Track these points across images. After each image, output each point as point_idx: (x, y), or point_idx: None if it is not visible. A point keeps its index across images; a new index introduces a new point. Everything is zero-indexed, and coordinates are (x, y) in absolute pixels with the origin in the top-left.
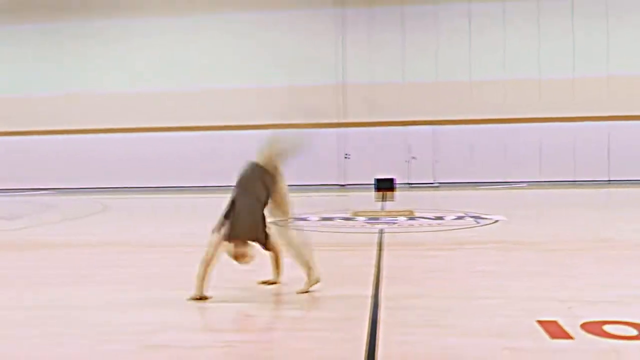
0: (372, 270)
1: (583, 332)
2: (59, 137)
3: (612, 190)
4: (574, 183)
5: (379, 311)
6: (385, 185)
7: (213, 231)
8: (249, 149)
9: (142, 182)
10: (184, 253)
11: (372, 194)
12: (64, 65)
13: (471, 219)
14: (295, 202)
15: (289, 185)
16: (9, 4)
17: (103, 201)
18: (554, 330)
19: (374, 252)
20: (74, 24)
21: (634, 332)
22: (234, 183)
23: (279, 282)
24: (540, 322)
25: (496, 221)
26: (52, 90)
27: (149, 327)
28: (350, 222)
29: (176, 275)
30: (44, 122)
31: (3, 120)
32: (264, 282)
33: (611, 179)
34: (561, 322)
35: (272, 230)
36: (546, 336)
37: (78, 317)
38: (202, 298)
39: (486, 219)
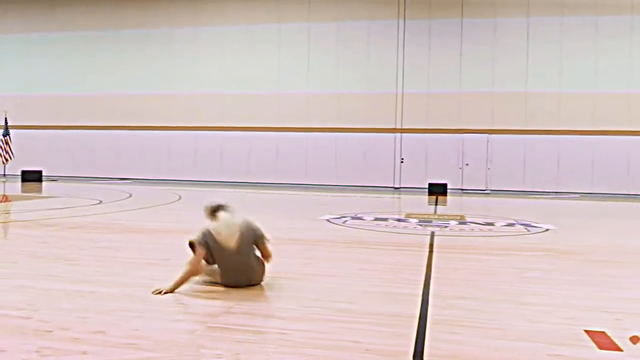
0: (423, 270)
1: (632, 345)
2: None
3: None
4: (627, 196)
5: (428, 310)
6: (438, 190)
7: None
8: (306, 150)
9: (212, 176)
10: None
11: (425, 197)
12: (143, 69)
13: (521, 227)
14: (351, 202)
15: (345, 186)
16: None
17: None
18: (602, 340)
19: (425, 253)
20: (160, 31)
21: None
22: (290, 181)
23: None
24: (587, 331)
25: (547, 230)
26: (133, 89)
27: (214, 309)
28: (403, 223)
29: None
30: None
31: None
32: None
33: None
34: (610, 333)
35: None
36: (594, 346)
37: (156, 296)
38: (165, 292)
39: (537, 227)
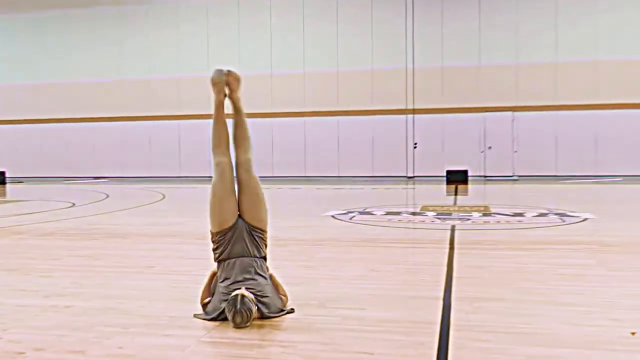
0: (444, 270)
1: None
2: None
3: None
4: None
5: (450, 314)
6: (457, 178)
7: None
8: (305, 138)
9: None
10: None
11: (443, 187)
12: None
13: (555, 217)
14: (358, 195)
15: (351, 177)
16: None
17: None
18: None
19: (445, 251)
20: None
21: None
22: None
23: None
24: (634, 334)
25: (585, 219)
26: (107, 76)
27: (208, 322)
28: (419, 217)
29: None
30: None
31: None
32: None
33: None
34: None
35: None
36: None
37: (143, 307)
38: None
39: (573, 216)
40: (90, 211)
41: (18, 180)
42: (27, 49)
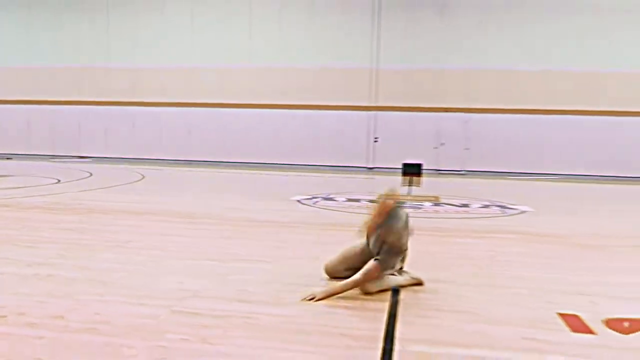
0: None
1: (605, 328)
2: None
3: None
4: (609, 178)
5: (399, 293)
6: (412, 170)
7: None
8: (277, 128)
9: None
10: (221, 225)
11: (400, 178)
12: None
13: (497, 208)
14: (322, 182)
15: (314, 165)
16: None
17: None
18: (576, 324)
19: None
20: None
21: None
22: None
23: None
24: (561, 314)
25: (523, 212)
26: (96, 62)
27: (180, 293)
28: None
29: (210, 246)
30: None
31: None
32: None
33: None
34: (583, 316)
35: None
36: (567, 330)
37: (121, 279)
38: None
39: (513, 209)
40: (73, 188)
41: (6, 157)
42: (37, 34)
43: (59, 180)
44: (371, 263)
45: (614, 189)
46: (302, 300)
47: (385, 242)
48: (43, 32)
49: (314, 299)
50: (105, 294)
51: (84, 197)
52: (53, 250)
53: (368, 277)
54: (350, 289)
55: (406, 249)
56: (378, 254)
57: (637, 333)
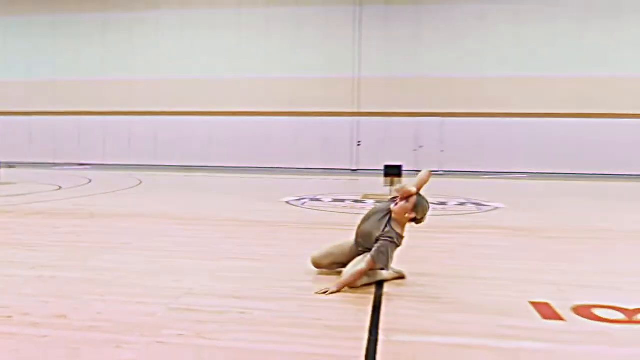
0: None
1: (574, 315)
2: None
3: (616, 184)
4: (576, 175)
5: (383, 286)
6: (393, 171)
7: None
8: (266, 134)
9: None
10: (214, 226)
11: (381, 179)
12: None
13: (472, 206)
14: (309, 184)
15: (304, 169)
16: None
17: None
18: (546, 311)
19: None
20: (120, 15)
21: (622, 317)
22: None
23: None
24: (533, 303)
25: (496, 208)
26: (93, 75)
27: (176, 291)
28: (360, 204)
29: (204, 246)
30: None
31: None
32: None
33: (615, 173)
34: (553, 304)
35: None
36: (538, 316)
37: (119, 279)
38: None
39: (487, 206)
40: (74, 194)
41: (10, 165)
42: (35, 48)
43: (60, 187)
44: (375, 249)
45: (579, 185)
46: (316, 293)
47: (409, 216)
48: (42, 47)
49: (327, 292)
50: (106, 294)
51: (84, 203)
52: (55, 253)
53: (371, 266)
54: (358, 279)
55: (401, 244)
56: (377, 240)
57: (604, 318)
